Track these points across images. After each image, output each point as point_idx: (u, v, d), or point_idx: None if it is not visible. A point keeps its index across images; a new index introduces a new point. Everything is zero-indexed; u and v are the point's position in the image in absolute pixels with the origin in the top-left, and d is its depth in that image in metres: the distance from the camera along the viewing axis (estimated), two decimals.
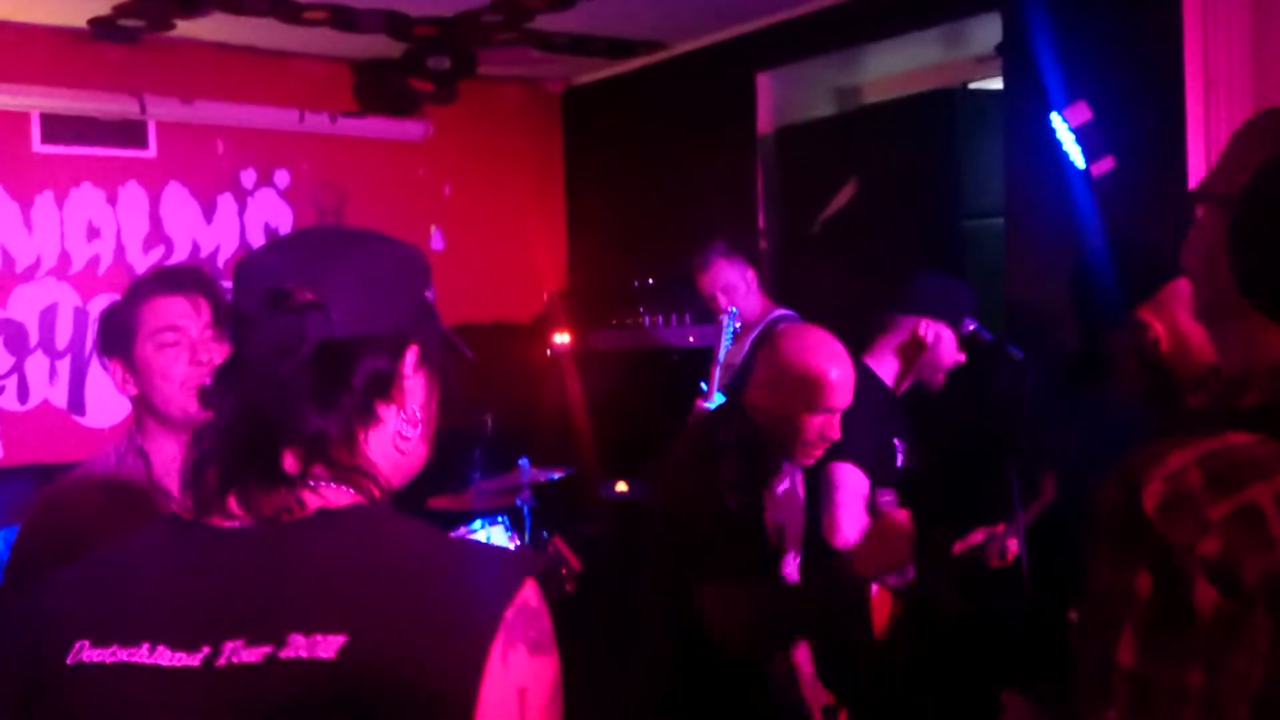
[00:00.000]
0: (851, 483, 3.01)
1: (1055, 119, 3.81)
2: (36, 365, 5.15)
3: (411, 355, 1.22)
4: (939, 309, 3.17)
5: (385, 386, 1.20)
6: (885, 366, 3.19)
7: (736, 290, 4.40)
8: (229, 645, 1.10)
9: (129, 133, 5.28)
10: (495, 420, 5.41)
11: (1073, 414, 3.39)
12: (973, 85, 4.79)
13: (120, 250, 5.31)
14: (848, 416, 3.06)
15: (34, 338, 5.15)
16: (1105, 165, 3.78)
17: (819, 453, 2.60)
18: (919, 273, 3.32)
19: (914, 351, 3.18)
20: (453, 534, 1.25)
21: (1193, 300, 1.22)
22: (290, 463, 1.16)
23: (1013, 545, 3.07)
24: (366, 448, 1.20)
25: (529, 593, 1.12)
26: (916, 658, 3.07)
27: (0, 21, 4.89)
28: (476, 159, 6.15)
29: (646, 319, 5.56)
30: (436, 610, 1.08)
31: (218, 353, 2.07)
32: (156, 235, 5.38)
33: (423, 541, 1.17)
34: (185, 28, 5.05)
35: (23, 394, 5.13)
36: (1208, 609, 0.96)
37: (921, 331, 3.16)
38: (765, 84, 5.29)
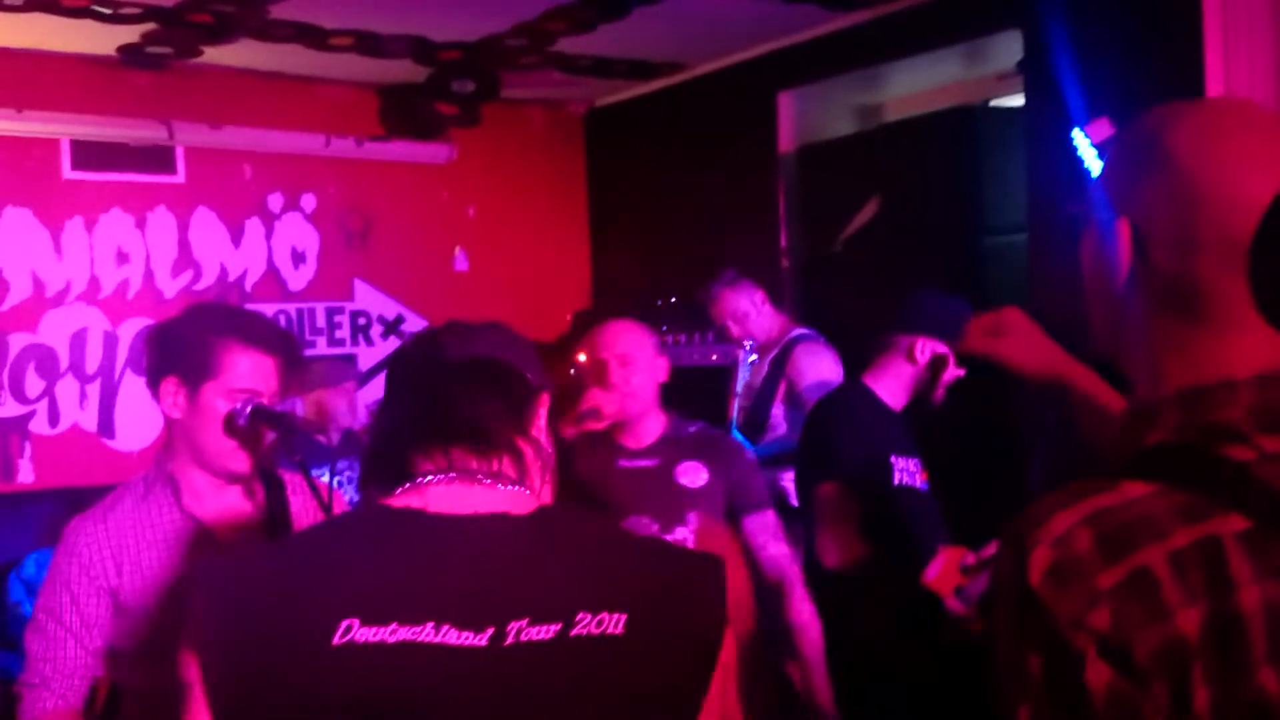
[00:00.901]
0: (841, 505, 3.01)
1: (1077, 135, 3.81)
2: (67, 389, 5.21)
3: (544, 396, 1.41)
4: (933, 326, 3.17)
5: (537, 400, 1.39)
6: (883, 385, 3.19)
7: (747, 316, 4.42)
8: (514, 625, 1.18)
9: (157, 158, 5.34)
10: None
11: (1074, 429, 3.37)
12: (994, 103, 4.79)
13: (149, 275, 5.36)
14: (840, 438, 3.06)
15: (64, 362, 5.21)
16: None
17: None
18: (915, 291, 3.33)
19: (909, 370, 3.18)
20: None
21: (1092, 317, 1.17)
22: (507, 465, 1.31)
23: None
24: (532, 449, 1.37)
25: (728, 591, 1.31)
26: (923, 678, 3.05)
27: (30, 50, 4.97)
28: (500, 181, 6.19)
29: (670, 338, 5.57)
30: (688, 589, 1.26)
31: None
32: (185, 259, 5.44)
33: (644, 538, 1.46)
34: (212, 54, 5.12)
35: (53, 417, 5.19)
36: (1100, 689, 0.88)
37: (918, 350, 3.17)
38: (787, 103, 5.31)
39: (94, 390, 5.26)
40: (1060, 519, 0.93)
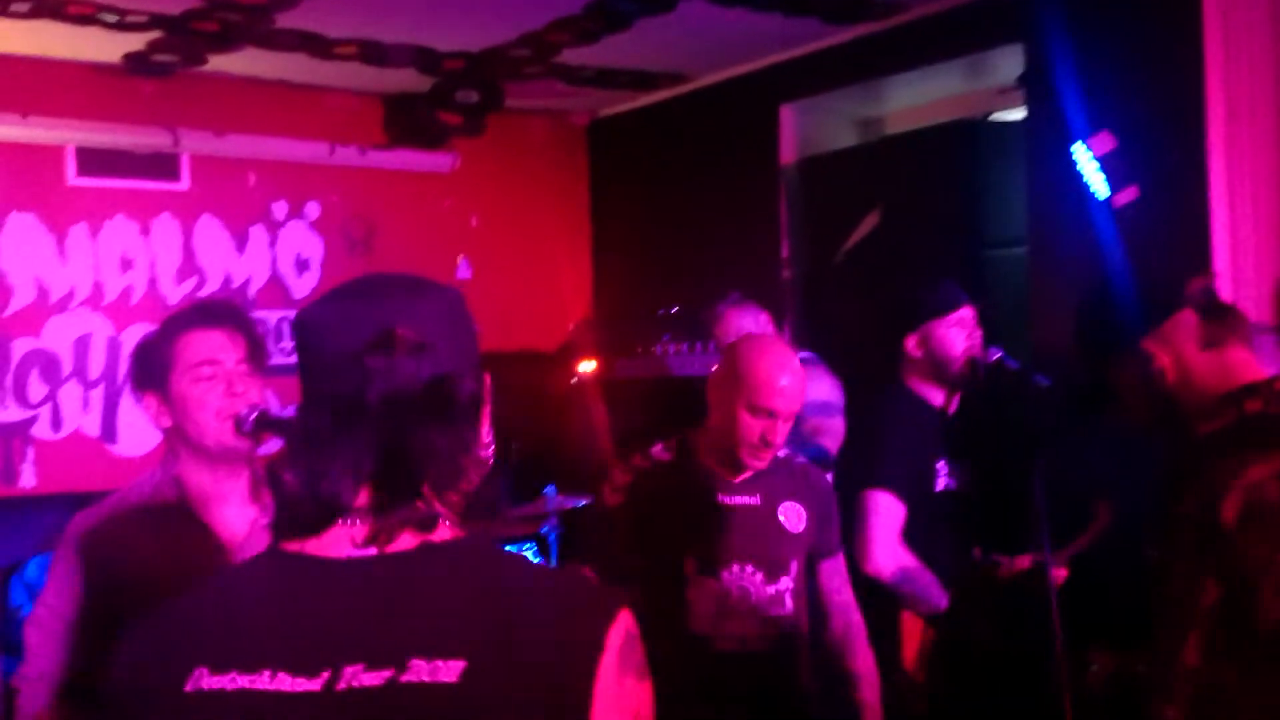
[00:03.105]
0: (884, 510, 3.02)
1: (1078, 149, 3.83)
2: (70, 394, 5.23)
3: (488, 380, 1.32)
4: (914, 315, 3.22)
5: (478, 414, 1.29)
6: (924, 388, 3.22)
7: None
8: (349, 670, 1.14)
9: (162, 166, 5.37)
10: (521, 448, 5.44)
11: (1099, 442, 3.39)
12: (995, 116, 4.80)
13: (153, 281, 5.38)
14: (883, 442, 3.07)
15: (67, 367, 5.22)
16: (1129, 195, 3.79)
17: (762, 457, 2.61)
18: (900, 296, 3.38)
19: (926, 362, 3.22)
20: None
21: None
22: (428, 494, 1.23)
23: (1060, 573, 3.06)
24: (472, 470, 1.28)
25: (628, 619, 1.20)
26: (947, 688, 3.06)
27: (36, 57, 4.99)
28: (503, 190, 6.21)
29: (671, 347, 5.59)
30: (546, 633, 1.16)
31: (252, 385, 2.11)
32: (189, 266, 5.46)
33: (524, 570, 1.26)
34: (217, 62, 5.14)
35: (56, 423, 5.20)
36: (1270, 622, 0.97)
37: (911, 347, 3.21)
38: (788, 115, 5.33)
39: (97, 396, 5.28)
40: (1256, 469, 1.03)
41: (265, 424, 2.05)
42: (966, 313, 3.23)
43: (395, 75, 5.42)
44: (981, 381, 3.23)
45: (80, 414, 5.25)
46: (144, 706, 1.19)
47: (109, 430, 5.29)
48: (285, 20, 4.55)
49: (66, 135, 5.14)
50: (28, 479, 5.12)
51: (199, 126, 5.36)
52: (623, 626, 1.18)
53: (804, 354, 4.49)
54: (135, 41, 4.81)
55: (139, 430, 5.24)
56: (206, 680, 1.16)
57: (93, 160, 5.23)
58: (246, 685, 1.15)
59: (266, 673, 1.15)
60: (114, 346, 5.30)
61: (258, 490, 2.17)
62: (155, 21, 4.54)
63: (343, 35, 4.82)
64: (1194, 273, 2.14)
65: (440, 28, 4.77)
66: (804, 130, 5.35)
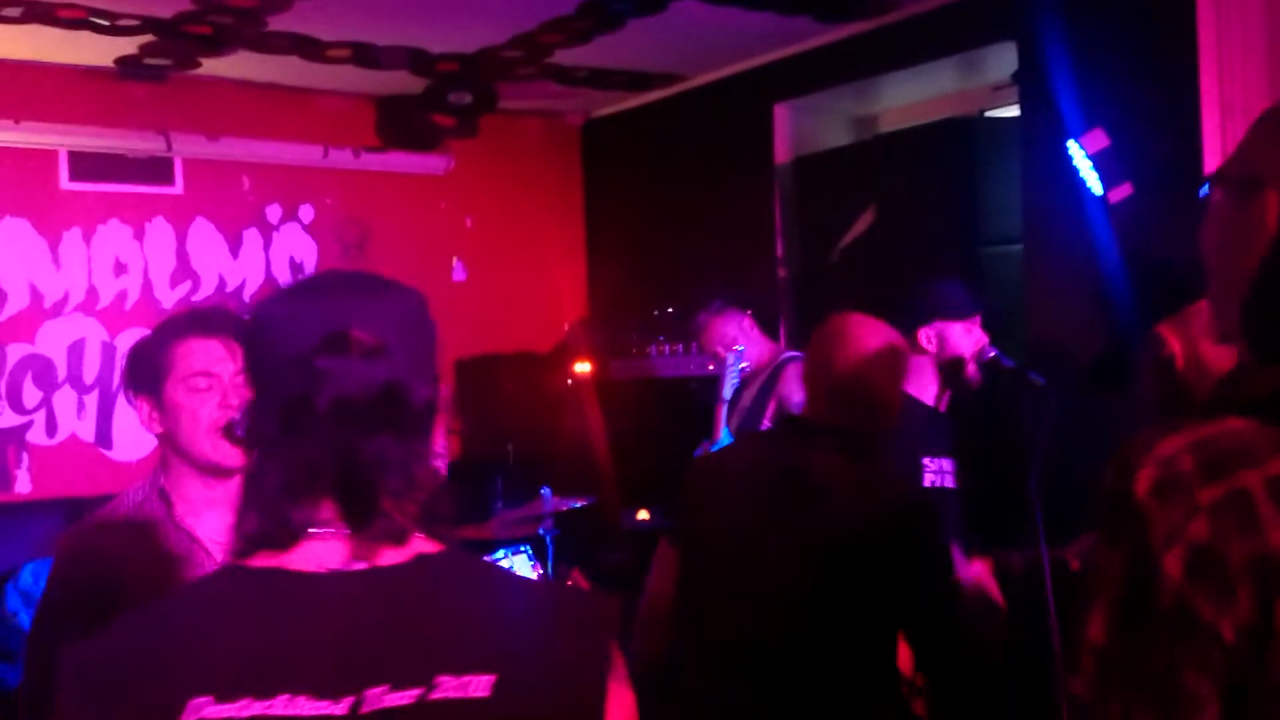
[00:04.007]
0: None
1: (1072, 146, 3.83)
2: (64, 399, 5.22)
3: (445, 389, 1.26)
4: (929, 312, 3.22)
5: (432, 422, 1.23)
6: (914, 383, 3.22)
7: (735, 342, 4.48)
8: (373, 692, 1.09)
9: (156, 170, 5.36)
10: (517, 449, 5.44)
11: (1095, 436, 3.39)
12: (989, 113, 4.81)
13: (147, 285, 5.37)
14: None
15: (62, 372, 5.21)
16: (1123, 192, 3.79)
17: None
18: (908, 288, 3.37)
19: (927, 360, 3.22)
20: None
21: (1210, 293, 1.22)
22: (386, 502, 1.17)
23: (1074, 566, 3.06)
24: (428, 480, 1.22)
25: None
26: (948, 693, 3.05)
27: (29, 62, 4.98)
28: (497, 191, 6.21)
29: (667, 348, 5.59)
30: (564, 644, 1.16)
31: (247, 397, 2.09)
32: (183, 270, 5.45)
33: (516, 581, 1.25)
34: (210, 66, 5.14)
35: (51, 428, 5.19)
36: (1171, 594, 0.98)
37: (924, 340, 3.21)
38: (783, 114, 5.33)
39: (92, 401, 5.27)
40: (1167, 443, 1.04)
41: None
42: (978, 320, 3.26)
43: (388, 77, 5.41)
44: (978, 380, 3.24)
45: (75, 419, 5.23)
46: None
47: (104, 435, 5.27)
48: (277, 23, 4.55)
49: (59, 140, 5.13)
50: (23, 485, 5.11)
51: (192, 130, 5.36)
52: (616, 636, 1.19)
53: (794, 352, 4.51)
54: (127, 45, 4.80)
55: (134, 435, 5.23)
56: (210, 710, 1.07)
57: (86, 165, 5.22)
58: (262, 712, 1.08)
59: (284, 697, 1.09)
60: (108, 351, 5.29)
61: None
62: (147, 25, 4.53)
63: (335, 38, 4.81)
64: (1191, 268, 2.14)
65: (433, 29, 4.77)
66: (798, 129, 5.35)
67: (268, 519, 1.16)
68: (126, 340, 5.31)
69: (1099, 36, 3.93)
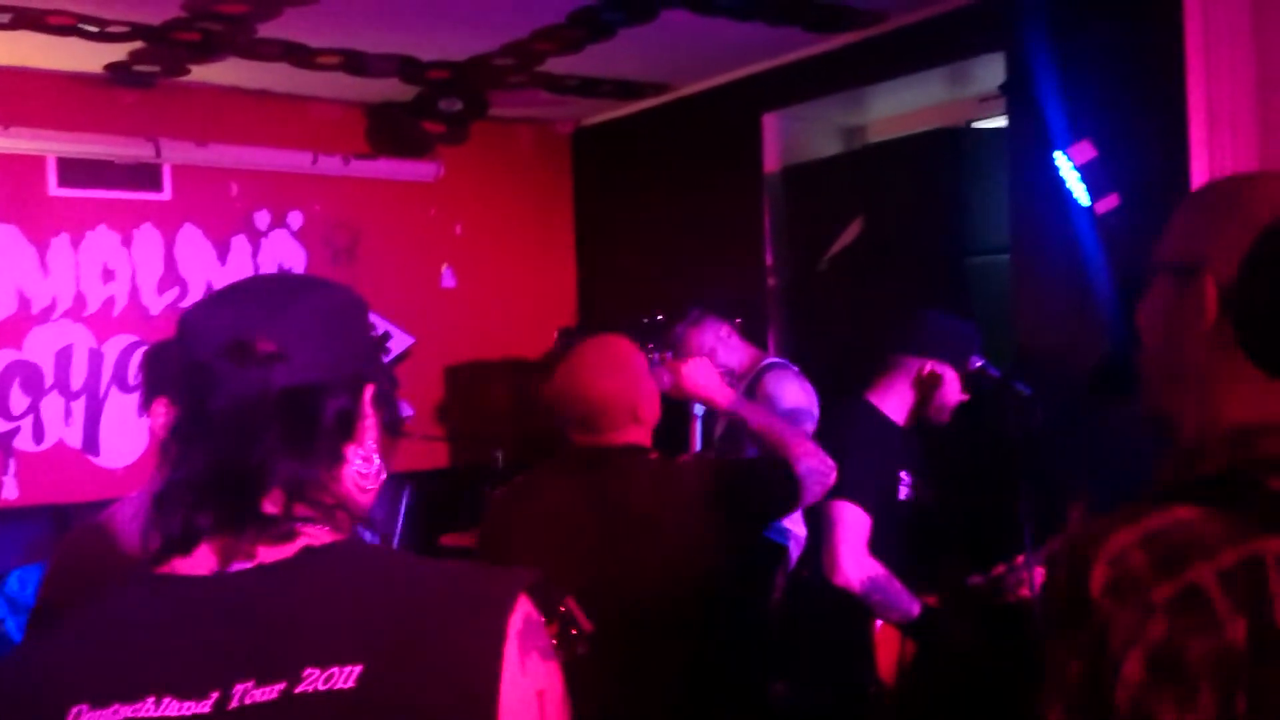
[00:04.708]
0: (851, 520, 3.03)
1: (1059, 157, 3.85)
2: (52, 406, 5.20)
3: (369, 394, 1.24)
4: (943, 350, 3.19)
5: (349, 427, 1.21)
6: (889, 403, 3.21)
7: (715, 352, 4.48)
8: (239, 687, 1.09)
9: (144, 176, 5.35)
10: (506, 456, 5.44)
11: (1083, 447, 3.41)
12: (977, 124, 4.83)
13: (135, 292, 5.37)
14: (848, 454, 3.08)
15: (49, 378, 5.20)
16: (1110, 203, 3.81)
17: None
18: (923, 312, 3.34)
19: (919, 391, 3.20)
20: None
21: (1144, 372, 1.22)
22: (270, 506, 1.17)
23: (1038, 575, 3.07)
24: (335, 485, 1.21)
25: (526, 605, 1.16)
26: (931, 696, 3.06)
27: (18, 67, 4.97)
28: (487, 199, 6.21)
29: (656, 355, 5.58)
30: (444, 628, 1.12)
31: None
32: (171, 277, 5.44)
33: (413, 567, 1.19)
34: (200, 72, 5.13)
35: (38, 434, 5.18)
36: (1128, 697, 0.98)
37: (926, 373, 3.19)
38: (771, 124, 5.35)
39: (79, 407, 5.26)
40: (1117, 538, 1.03)
41: None
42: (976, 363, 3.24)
43: (378, 85, 5.42)
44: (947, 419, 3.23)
45: (62, 425, 5.22)
46: None
47: (91, 442, 5.26)
48: (267, 30, 4.55)
49: (47, 146, 5.13)
50: (9, 491, 5.09)
51: (181, 136, 5.35)
52: (522, 612, 1.15)
53: (774, 359, 4.52)
54: (117, 52, 4.80)
55: (121, 441, 5.22)
56: (87, 717, 1.09)
57: (74, 171, 5.22)
58: (130, 715, 1.09)
59: (150, 700, 1.09)
60: (96, 358, 5.28)
61: None
62: (136, 32, 4.53)
63: (325, 45, 4.81)
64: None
65: (423, 37, 4.77)
66: (787, 139, 5.37)
67: (170, 521, 1.17)
68: (114, 347, 5.31)
69: (1087, 48, 3.95)
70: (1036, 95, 3.96)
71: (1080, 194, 3.82)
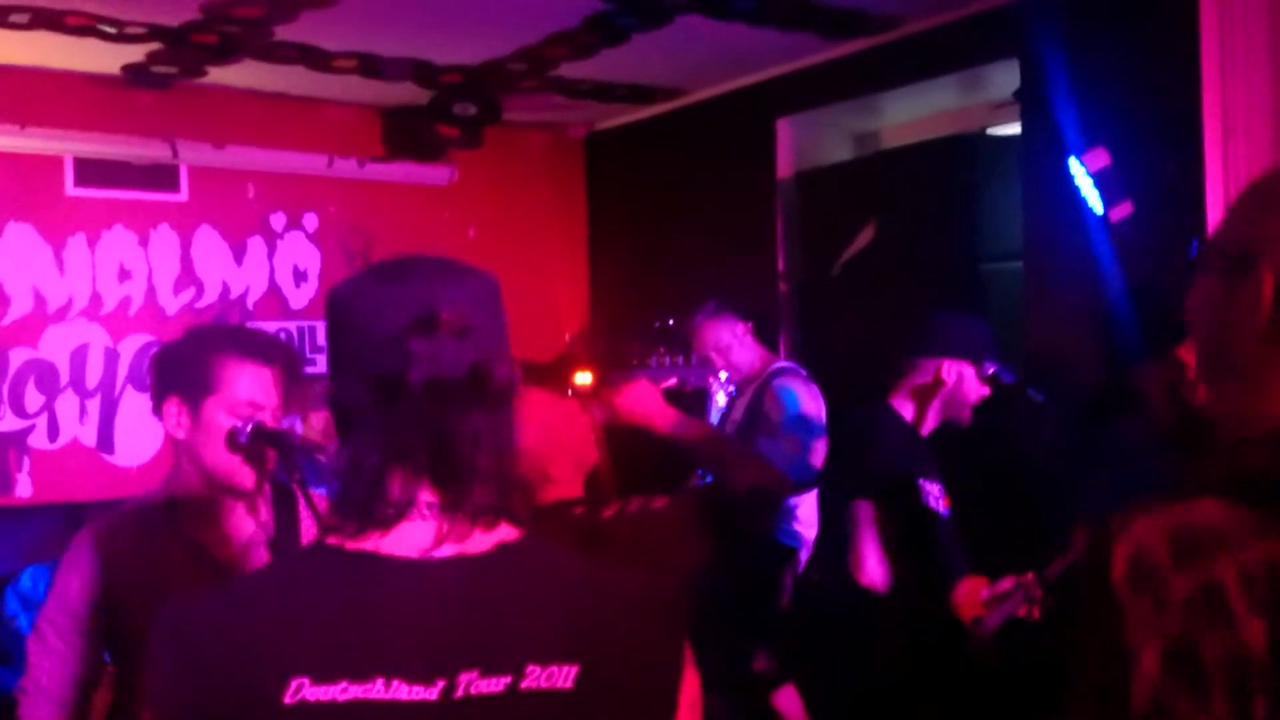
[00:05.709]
0: (873, 520, 3.03)
1: (1073, 164, 3.84)
2: (67, 404, 5.23)
3: (519, 372, 1.26)
4: (960, 349, 3.19)
5: (512, 399, 1.23)
6: (908, 408, 3.22)
7: (730, 348, 4.45)
8: (464, 677, 1.11)
9: (161, 177, 5.38)
10: None
11: (1094, 456, 3.40)
12: (991, 131, 4.82)
13: (151, 292, 5.39)
14: (871, 456, 3.08)
15: (65, 377, 5.23)
16: (1124, 210, 3.80)
17: None
18: (937, 314, 3.34)
19: (938, 392, 3.20)
20: None
21: (1198, 365, 1.20)
22: (480, 486, 1.18)
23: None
24: (516, 465, 1.23)
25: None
26: (944, 706, 3.06)
27: (35, 68, 5.00)
28: (501, 202, 6.22)
29: (668, 359, 5.59)
30: (641, 631, 1.19)
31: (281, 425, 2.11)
32: (187, 277, 5.46)
33: (595, 568, 1.24)
34: (217, 74, 5.16)
35: (53, 432, 5.20)
36: (1147, 690, 0.96)
37: (944, 373, 3.19)
38: (785, 129, 5.35)
39: (94, 406, 5.28)
40: (1142, 526, 1.01)
41: (261, 436, 2.05)
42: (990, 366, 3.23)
43: (393, 88, 5.44)
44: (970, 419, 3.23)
45: (77, 424, 5.25)
46: (240, 717, 1.10)
47: (105, 440, 5.29)
48: (284, 33, 4.57)
49: (65, 146, 5.15)
50: (24, 489, 5.12)
51: (198, 138, 5.38)
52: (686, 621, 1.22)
53: (785, 363, 4.51)
54: (134, 53, 4.82)
55: (136, 440, 5.25)
56: (309, 691, 1.09)
57: (91, 171, 5.24)
58: (360, 695, 1.09)
59: (380, 680, 1.10)
60: (111, 357, 5.30)
61: (255, 505, 2.17)
62: (154, 33, 4.55)
63: (341, 48, 4.83)
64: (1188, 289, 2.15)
65: (438, 41, 4.79)
66: (800, 144, 5.37)
67: (371, 497, 1.17)
68: (130, 346, 5.33)
69: (1101, 55, 3.94)
70: (1051, 102, 3.96)
71: (1094, 201, 3.81)
